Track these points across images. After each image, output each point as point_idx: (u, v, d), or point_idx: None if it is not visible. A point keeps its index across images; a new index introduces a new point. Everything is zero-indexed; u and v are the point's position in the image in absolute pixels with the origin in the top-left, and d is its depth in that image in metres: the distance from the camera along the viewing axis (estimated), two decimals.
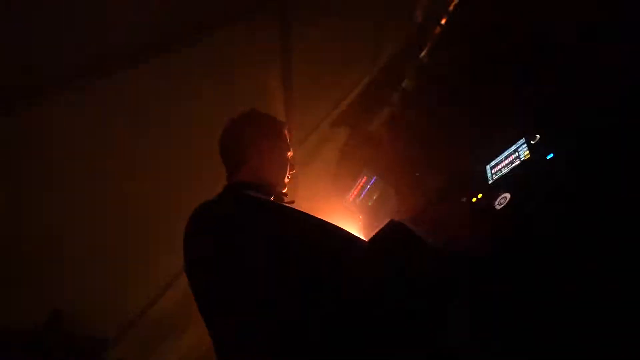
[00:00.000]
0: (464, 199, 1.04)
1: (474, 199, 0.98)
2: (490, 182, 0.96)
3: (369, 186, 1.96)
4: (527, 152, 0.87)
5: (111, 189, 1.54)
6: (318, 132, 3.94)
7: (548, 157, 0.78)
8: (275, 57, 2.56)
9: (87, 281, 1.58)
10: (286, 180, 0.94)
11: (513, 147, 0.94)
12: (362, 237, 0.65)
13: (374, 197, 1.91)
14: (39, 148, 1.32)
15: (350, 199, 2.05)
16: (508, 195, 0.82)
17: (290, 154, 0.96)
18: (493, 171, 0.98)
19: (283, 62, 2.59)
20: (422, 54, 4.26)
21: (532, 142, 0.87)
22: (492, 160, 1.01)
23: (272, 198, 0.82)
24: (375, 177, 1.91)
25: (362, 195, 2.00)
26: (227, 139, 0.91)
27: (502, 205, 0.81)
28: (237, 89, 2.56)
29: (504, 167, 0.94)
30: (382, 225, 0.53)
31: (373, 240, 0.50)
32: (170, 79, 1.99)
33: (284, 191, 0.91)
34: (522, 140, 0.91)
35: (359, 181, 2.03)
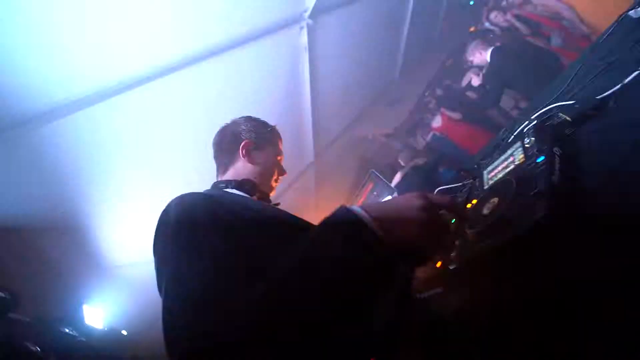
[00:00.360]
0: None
1: (469, 205, 0.94)
2: (485, 187, 0.92)
3: (375, 192, 1.93)
4: (522, 155, 0.83)
5: None
6: (341, 139, 3.98)
7: (539, 160, 0.74)
8: (300, 67, 2.67)
9: None
10: (274, 183, 0.97)
11: (509, 151, 0.90)
12: None
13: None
14: None
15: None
16: (496, 200, 0.78)
17: (280, 158, 0.99)
18: (489, 176, 0.94)
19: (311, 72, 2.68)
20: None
21: (527, 145, 0.82)
22: (489, 165, 0.97)
23: (254, 197, 0.85)
24: (380, 182, 1.88)
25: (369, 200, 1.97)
26: (217, 142, 0.97)
27: (489, 210, 0.78)
28: (260, 98, 2.70)
29: (499, 171, 0.90)
30: None
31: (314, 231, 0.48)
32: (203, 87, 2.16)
33: (270, 194, 0.95)
34: (518, 143, 0.87)
35: (364, 186, 2.00)
